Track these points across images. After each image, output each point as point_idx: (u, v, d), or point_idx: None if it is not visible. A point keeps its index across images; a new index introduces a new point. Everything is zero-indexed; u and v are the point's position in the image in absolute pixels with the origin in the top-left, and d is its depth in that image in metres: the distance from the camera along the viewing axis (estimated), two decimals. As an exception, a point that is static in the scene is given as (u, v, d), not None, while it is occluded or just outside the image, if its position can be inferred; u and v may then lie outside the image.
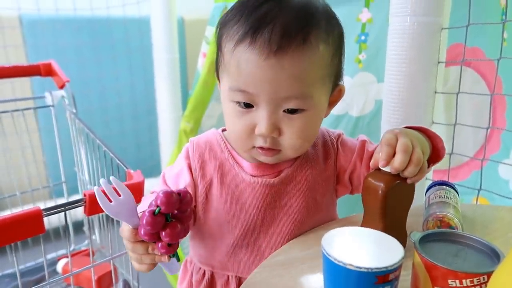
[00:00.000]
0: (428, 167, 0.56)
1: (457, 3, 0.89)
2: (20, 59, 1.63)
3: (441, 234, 0.46)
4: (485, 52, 1.11)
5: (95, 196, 0.61)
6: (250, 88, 0.54)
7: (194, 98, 1.56)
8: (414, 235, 0.45)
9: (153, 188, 0.68)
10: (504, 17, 1.12)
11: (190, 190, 0.62)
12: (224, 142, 0.64)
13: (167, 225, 0.46)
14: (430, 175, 0.95)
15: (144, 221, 0.45)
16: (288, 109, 0.55)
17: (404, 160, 0.50)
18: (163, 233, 0.46)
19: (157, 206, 0.45)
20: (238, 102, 0.56)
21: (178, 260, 0.50)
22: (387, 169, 0.51)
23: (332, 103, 0.64)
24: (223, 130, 0.67)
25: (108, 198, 0.47)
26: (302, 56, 0.52)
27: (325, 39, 0.55)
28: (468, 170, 1.17)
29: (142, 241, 0.48)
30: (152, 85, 1.78)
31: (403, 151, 0.50)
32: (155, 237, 0.47)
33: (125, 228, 0.49)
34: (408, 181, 0.52)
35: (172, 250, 0.47)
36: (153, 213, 0.45)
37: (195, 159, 0.63)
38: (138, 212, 0.49)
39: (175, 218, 0.47)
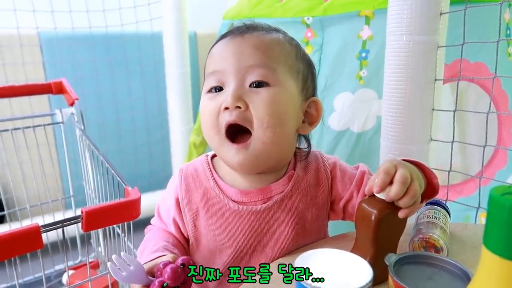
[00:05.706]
0: (421, 202, 0.56)
1: (457, 21, 0.89)
2: (39, 75, 1.70)
3: (418, 257, 0.47)
4: (489, 67, 1.10)
5: (92, 212, 0.65)
6: (218, 65, 0.59)
7: (203, 112, 1.60)
8: (389, 258, 0.46)
9: (152, 220, 0.71)
10: (507, 31, 1.12)
11: (179, 222, 0.65)
12: (210, 170, 0.65)
13: None
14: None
15: None
16: (253, 84, 0.58)
17: (401, 191, 0.50)
18: None
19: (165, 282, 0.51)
20: (210, 90, 0.60)
21: None
22: (381, 195, 0.51)
23: (312, 123, 0.65)
24: (213, 157, 0.68)
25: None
26: (264, 36, 0.60)
27: (289, 40, 0.63)
28: (474, 186, 1.15)
29: None
30: (164, 99, 1.82)
31: (401, 182, 0.50)
32: None
33: (136, 286, 0.53)
34: (400, 214, 0.51)
35: None
36: (161, 285, 0.51)
37: (182, 189, 0.64)
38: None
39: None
